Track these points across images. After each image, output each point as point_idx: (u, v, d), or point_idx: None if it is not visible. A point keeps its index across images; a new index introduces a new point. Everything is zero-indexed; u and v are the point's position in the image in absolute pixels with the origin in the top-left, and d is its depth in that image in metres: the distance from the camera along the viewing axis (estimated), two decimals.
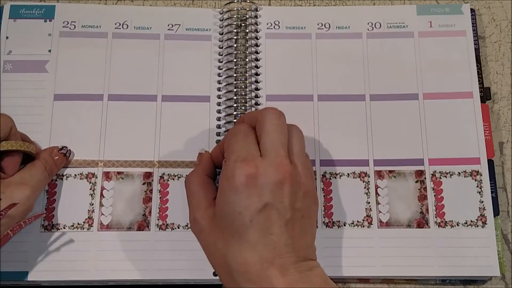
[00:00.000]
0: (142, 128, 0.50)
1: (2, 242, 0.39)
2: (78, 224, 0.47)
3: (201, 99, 0.51)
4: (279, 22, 0.54)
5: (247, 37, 0.53)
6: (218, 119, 0.50)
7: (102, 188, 0.48)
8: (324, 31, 0.54)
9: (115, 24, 0.53)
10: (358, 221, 0.48)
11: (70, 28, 0.53)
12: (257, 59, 0.52)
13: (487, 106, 0.51)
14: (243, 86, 0.51)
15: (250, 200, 0.36)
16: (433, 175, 0.49)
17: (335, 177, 0.49)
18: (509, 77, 0.54)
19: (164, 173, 0.49)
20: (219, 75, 0.52)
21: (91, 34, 0.53)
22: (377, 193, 0.48)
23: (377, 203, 0.48)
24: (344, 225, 0.48)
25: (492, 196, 0.48)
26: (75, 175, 0.48)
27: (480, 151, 0.49)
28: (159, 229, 0.47)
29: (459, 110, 0.51)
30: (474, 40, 0.53)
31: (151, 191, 0.48)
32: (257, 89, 0.52)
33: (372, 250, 0.47)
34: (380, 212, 0.48)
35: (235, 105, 0.51)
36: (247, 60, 0.52)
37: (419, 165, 0.49)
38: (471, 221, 0.48)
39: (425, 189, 0.49)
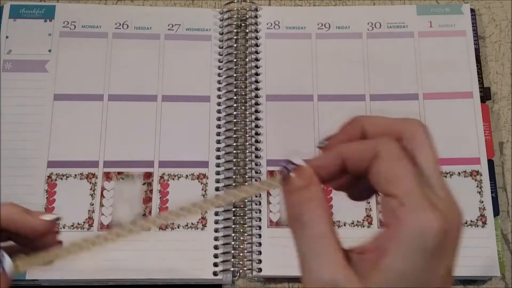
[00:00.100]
0: (142, 128, 0.50)
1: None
2: (78, 224, 0.47)
3: (201, 99, 0.51)
4: (279, 22, 0.54)
5: (247, 37, 0.53)
6: (218, 119, 0.50)
7: (103, 188, 0.48)
8: (324, 31, 0.54)
9: (115, 24, 0.53)
10: (358, 221, 0.48)
11: (70, 28, 0.53)
12: (257, 59, 0.52)
13: (487, 106, 0.51)
14: (243, 86, 0.51)
15: (440, 263, 0.24)
16: None
17: None
18: (509, 77, 0.54)
19: (164, 173, 0.49)
20: (219, 75, 0.52)
21: (91, 34, 0.53)
22: (377, 193, 0.48)
23: (377, 203, 0.48)
24: (344, 225, 0.48)
25: (492, 196, 0.48)
26: (75, 175, 0.48)
27: (480, 151, 0.49)
28: (159, 229, 0.47)
29: (459, 110, 0.51)
30: (474, 40, 0.53)
31: (151, 191, 0.48)
32: (257, 89, 0.52)
33: None
34: (380, 212, 0.48)
35: (235, 105, 0.51)
36: (247, 60, 0.52)
37: None
38: (471, 221, 0.47)
39: None
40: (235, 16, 0.54)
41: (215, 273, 0.46)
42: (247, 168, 0.49)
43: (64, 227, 0.47)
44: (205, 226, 0.47)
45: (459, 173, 0.49)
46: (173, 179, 0.49)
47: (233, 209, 0.48)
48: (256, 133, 0.50)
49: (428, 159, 0.26)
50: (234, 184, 0.48)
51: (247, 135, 0.50)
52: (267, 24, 0.54)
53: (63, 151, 0.49)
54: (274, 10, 0.55)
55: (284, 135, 0.50)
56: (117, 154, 0.49)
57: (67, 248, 0.30)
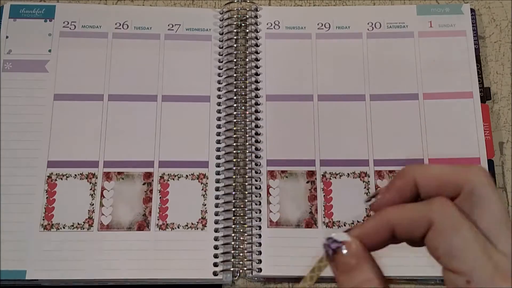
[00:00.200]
0: (142, 128, 0.50)
1: None
2: (78, 224, 0.47)
3: (201, 99, 0.51)
4: (279, 22, 0.54)
5: (247, 37, 0.53)
6: (218, 119, 0.50)
7: (103, 189, 0.48)
8: (324, 31, 0.54)
9: (115, 24, 0.53)
10: (358, 221, 0.48)
11: (70, 28, 0.53)
12: (257, 59, 0.52)
13: (487, 106, 0.51)
14: (243, 86, 0.51)
15: None
16: None
17: (335, 177, 0.49)
18: (509, 77, 0.54)
19: (164, 173, 0.49)
20: (219, 75, 0.52)
21: (91, 34, 0.53)
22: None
23: None
24: (344, 225, 0.48)
25: None
26: (75, 175, 0.48)
27: (480, 151, 0.49)
28: (159, 229, 0.47)
29: (459, 110, 0.51)
30: (474, 40, 0.53)
31: (151, 191, 0.48)
32: (257, 89, 0.52)
33: None
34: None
35: (235, 105, 0.51)
36: (247, 60, 0.52)
37: None
38: None
39: None
40: (235, 16, 0.54)
41: (215, 273, 0.46)
42: (247, 168, 0.49)
43: (64, 227, 0.47)
44: (205, 226, 0.47)
45: None
46: (173, 179, 0.49)
47: (233, 209, 0.48)
48: (256, 133, 0.50)
49: (492, 215, 0.24)
50: (234, 184, 0.48)
51: (247, 135, 0.50)
52: (267, 24, 0.54)
53: (63, 151, 0.49)
54: (274, 10, 0.55)
55: (284, 135, 0.50)
56: (117, 154, 0.49)
57: None
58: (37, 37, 0.52)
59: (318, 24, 0.54)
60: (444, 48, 0.53)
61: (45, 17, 0.53)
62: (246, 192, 0.48)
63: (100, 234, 0.47)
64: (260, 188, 0.49)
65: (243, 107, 0.51)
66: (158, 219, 0.47)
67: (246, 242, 0.47)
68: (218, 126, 0.50)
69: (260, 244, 0.47)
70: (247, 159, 0.49)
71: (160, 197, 0.48)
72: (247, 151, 0.50)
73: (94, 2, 0.56)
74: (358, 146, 0.50)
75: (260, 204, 0.48)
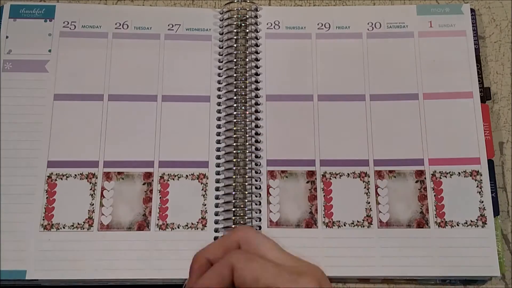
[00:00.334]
0: (142, 128, 0.50)
1: None
2: (78, 224, 0.47)
3: (201, 99, 0.51)
4: (279, 22, 0.54)
5: (247, 37, 0.53)
6: (218, 119, 0.50)
7: (103, 189, 0.48)
8: (324, 31, 0.54)
9: (115, 24, 0.53)
10: (358, 221, 0.48)
11: (70, 28, 0.53)
12: (257, 59, 0.52)
13: (487, 106, 0.51)
14: (243, 86, 0.51)
15: None
16: (433, 175, 0.49)
17: (335, 177, 0.49)
18: (509, 77, 0.54)
19: (164, 173, 0.49)
20: (219, 75, 0.52)
21: (91, 34, 0.53)
22: (377, 193, 0.48)
23: (377, 203, 0.48)
24: (344, 225, 0.48)
25: (492, 196, 0.48)
26: (75, 175, 0.48)
27: (480, 151, 0.49)
28: (159, 229, 0.47)
29: (459, 110, 0.51)
30: (474, 40, 0.53)
31: (151, 191, 0.48)
32: (257, 89, 0.52)
33: (372, 250, 0.47)
34: (380, 212, 0.48)
35: (235, 105, 0.51)
36: (247, 60, 0.52)
37: (419, 165, 0.49)
38: (471, 221, 0.48)
39: (425, 189, 0.49)
40: (235, 16, 0.54)
41: None
42: (247, 168, 0.49)
43: (64, 227, 0.47)
44: (205, 226, 0.47)
45: (459, 173, 0.49)
46: (173, 179, 0.49)
47: (233, 209, 0.48)
48: (256, 133, 0.50)
49: (269, 249, 0.30)
50: (234, 184, 0.48)
51: (247, 135, 0.50)
52: (267, 24, 0.54)
53: (63, 151, 0.49)
54: (274, 10, 0.55)
55: (284, 135, 0.50)
56: (117, 154, 0.49)
57: None
58: (37, 37, 0.52)
59: (318, 24, 0.54)
60: (444, 48, 0.53)
61: (45, 17, 0.53)
62: (246, 192, 0.48)
63: (100, 234, 0.47)
64: (260, 188, 0.49)
65: (243, 107, 0.51)
66: (158, 219, 0.47)
67: None
68: (218, 126, 0.50)
69: None
70: (247, 159, 0.49)
71: (160, 197, 0.48)
72: (247, 151, 0.50)
73: (94, 2, 0.56)
74: (358, 146, 0.50)
75: (260, 204, 0.48)
